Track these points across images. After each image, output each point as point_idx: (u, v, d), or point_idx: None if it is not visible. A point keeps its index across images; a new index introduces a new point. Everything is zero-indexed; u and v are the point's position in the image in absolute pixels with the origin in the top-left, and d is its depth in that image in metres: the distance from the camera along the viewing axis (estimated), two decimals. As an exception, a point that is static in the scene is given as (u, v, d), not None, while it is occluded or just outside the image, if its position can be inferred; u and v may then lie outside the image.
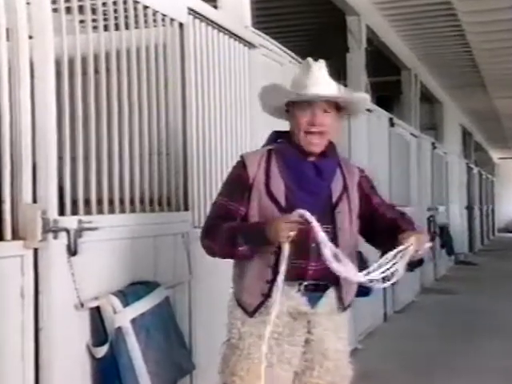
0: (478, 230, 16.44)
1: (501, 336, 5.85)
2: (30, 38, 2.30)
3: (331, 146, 2.28)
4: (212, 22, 3.45)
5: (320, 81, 2.17)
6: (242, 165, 2.23)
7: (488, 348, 5.42)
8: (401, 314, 7.11)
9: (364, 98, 2.35)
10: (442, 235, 10.06)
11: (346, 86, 6.60)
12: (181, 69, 3.21)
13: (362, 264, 2.22)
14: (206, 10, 3.39)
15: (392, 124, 7.32)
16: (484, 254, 14.68)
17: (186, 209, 3.20)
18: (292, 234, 2.01)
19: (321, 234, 1.99)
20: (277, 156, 2.22)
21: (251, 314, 2.18)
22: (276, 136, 2.32)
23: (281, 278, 2.05)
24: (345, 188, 2.24)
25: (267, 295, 2.13)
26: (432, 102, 12.25)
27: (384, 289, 6.53)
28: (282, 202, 2.14)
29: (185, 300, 3.09)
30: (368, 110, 6.34)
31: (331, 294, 2.21)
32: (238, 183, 2.21)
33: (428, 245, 2.12)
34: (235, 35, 3.70)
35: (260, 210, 2.16)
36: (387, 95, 10.74)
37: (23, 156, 2.22)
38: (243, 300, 2.20)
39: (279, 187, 2.17)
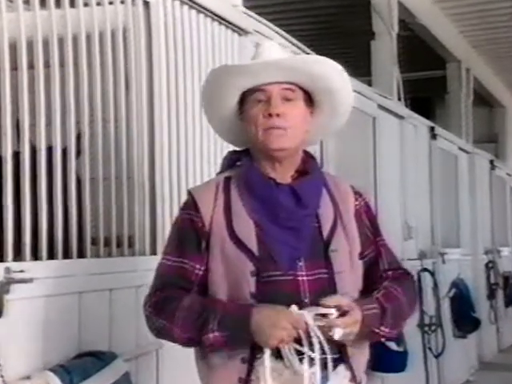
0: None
1: None
2: None
3: (311, 160, 2.27)
4: (189, -1, 3.51)
5: (271, 53, 2.17)
6: (192, 205, 2.20)
7: None
8: (451, 398, 7.10)
9: (332, 65, 2.19)
10: (506, 288, 10.04)
11: (370, 83, 6.67)
12: (147, 62, 3.25)
13: None
14: (181, -18, 3.45)
15: (434, 135, 7.37)
16: None
17: (154, 252, 3.21)
18: (288, 339, 2.01)
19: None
20: (238, 185, 2.19)
21: None
22: (235, 157, 2.29)
23: None
24: (337, 216, 2.21)
25: (246, 380, 2.07)
26: (491, 105, 12.35)
27: (426, 363, 6.54)
28: (254, 248, 2.11)
29: (151, 376, 3.09)
30: (400, 117, 6.40)
31: (341, 372, 2.13)
32: (189, 232, 2.17)
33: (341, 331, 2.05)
34: (220, 18, 3.75)
35: (225, 263, 2.12)
36: (428, 96, 10.84)
37: None
38: None
39: (247, 228, 2.13)
